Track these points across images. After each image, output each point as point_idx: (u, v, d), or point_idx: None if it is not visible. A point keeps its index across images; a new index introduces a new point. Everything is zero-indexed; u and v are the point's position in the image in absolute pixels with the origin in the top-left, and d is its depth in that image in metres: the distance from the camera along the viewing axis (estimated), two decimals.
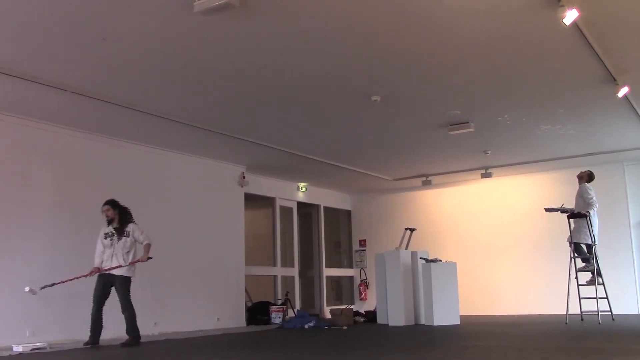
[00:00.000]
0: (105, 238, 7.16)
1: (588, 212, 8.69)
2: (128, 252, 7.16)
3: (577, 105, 8.00)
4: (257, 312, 10.87)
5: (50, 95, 6.78)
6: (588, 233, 8.69)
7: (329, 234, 14.07)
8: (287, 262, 12.58)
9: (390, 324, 9.60)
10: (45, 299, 7.28)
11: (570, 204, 9.15)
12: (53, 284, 6.93)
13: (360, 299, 13.91)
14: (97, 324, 7.04)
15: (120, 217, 7.22)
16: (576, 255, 8.87)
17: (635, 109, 8.21)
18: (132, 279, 7.22)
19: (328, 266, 13.78)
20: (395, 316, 9.57)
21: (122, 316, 7.08)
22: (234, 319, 10.27)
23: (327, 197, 13.97)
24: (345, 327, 9.41)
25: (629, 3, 5.17)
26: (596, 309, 8.41)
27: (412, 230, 10.81)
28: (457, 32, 5.60)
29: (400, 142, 9.73)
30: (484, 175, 11.86)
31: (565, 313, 8.58)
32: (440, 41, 5.79)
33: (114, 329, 7.45)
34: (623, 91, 7.18)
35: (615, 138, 9.76)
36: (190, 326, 9.29)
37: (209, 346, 6.94)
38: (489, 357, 5.09)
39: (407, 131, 9.06)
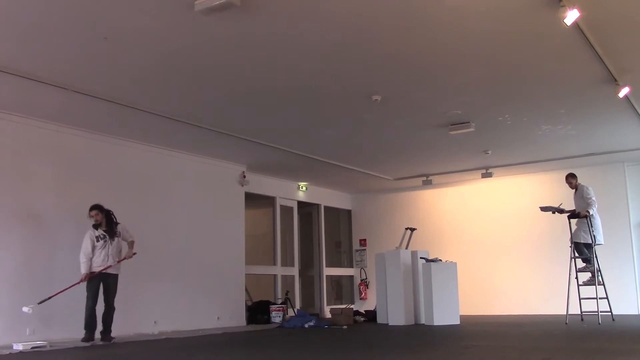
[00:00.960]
0: (98, 241, 7.38)
1: (588, 211, 8.70)
2: (120, 251, 7.54)
3: (578, 105, 8.00)
4: (257, 311, 10.87)
5: (51, 94, 6.78)
6: (588, 233, 8.69)
7: (329, 234, 14.08)
8: (288, 261, 12.58)
9: (390, 324, 9.60)
10: (45, 297, 7.31)
11: (570, 204, 9.16)
12: (49, 298, 7.01)
13: (361, 299, 13.92)
14: (95, 321, 7.28)
15: (106, 220, 7.48)
16: (577, 255, 8.86)
17: (636, 109, 8.21)
18: None
19: (328, 266, 13.79)
20: (395, 316, 9.57)
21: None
22: (234, 318, 10.28)
23: (328, 197, 13.97)
24: (345, 327, 9.41)
25: (630, 3, 5.17)
26: (596, 309, 8.41)
27: (412, 230, 10.81)
28: (458, 32, 5.60)
29: (401, 141, 9.73)
30: (485, 175, 11.86)
31: (565, 313, 8.58)
32: (442, 41, 5.79)
33: (114, 328, 7.48)
34: (624, 91, 7.18)
35: (615, 138, 9.76)
36: (190, 325, 9.29)
37: (209, 345, 6.95)
38: (489, 357, 5.09)
39: (407, 131, 9.06)
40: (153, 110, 7.55)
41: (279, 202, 12.43)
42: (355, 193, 14.54)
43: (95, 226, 7.40)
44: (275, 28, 5.38)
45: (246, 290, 10.93)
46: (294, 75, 6.61)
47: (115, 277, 7.46)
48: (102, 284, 7.38)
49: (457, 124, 8.63)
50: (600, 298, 8.49)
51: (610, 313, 8.58)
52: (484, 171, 11.83)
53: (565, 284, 8.68)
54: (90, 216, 7.39)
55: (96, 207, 7.42)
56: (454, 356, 5.25)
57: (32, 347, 6.55)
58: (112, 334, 7.39)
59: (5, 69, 6.06)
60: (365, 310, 11.63)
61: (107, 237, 7.40)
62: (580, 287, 8.67)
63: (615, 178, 11.41)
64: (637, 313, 10.76)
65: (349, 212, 14.70)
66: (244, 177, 10.98)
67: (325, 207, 13.93)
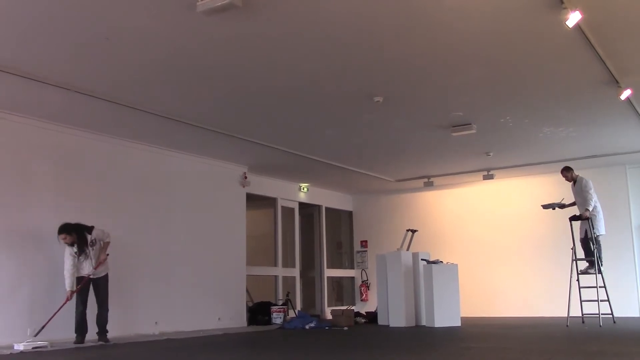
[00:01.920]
0: (79, 255, 7.28)
1: (587, 209, 8.69)
2: (99, 255, 7.48)
3: (580, 107, 7.99)
4: (258, 312, 10.87)
5: (52, 94, 6.78)
6: (591, 229, 8.69)
7: (330, 235, 14.07)
8: (289, 262, 12.57)
9: (391, 325, 9.59)
10: (46, 298, 7.31)
11: (570, 200, 9.17)
12: (42, 327, 6.92)
13: (361, 300, 13.91)
14: (85, 324, 7.27)
15: (78, 237, 7.28)
16: (578, 257, 8.82)
17: (637, 112, 8.19)
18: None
19: (329, 267, 13.78)
20: (396, 317, 9.56)
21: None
22: (235, 319, 10.27)
23: (329, 198, 13.97)
24: (346, 328, 9.40)
25: (632, 5, 5.15)
26: (597, 312, 8.39)
27: (413, 231, 10.80)
28: (459, 34, 5.59)
29: (402, 143, 9.72)
30: (486, 177, 11.84)
31: (566, 315, 8.57)
32: (443, 42, 5.78)
33: (115, 328, 7.47)
34: (626, 94, 7.17)
35: (617, 141, 9.74)
36: (191, 326, 9.28)
37: (209, 346, 6.95)
38: (489, 359, 5.08)
39: (409, 132, 9.05)
40: (153, 110, 7.54)
41: (280, 203, 12.42)
42: (356, 194, 14.53)
43: (71, 245, 7.27)
44: (276, 28, 5.37)
45: (247, 291, 10.92)
46: (295, 76, 6.60)
47: (104, 277, 7.48)
48: (92, 287, 7.41)
49: (459, 126, 8.61)
50: (601, 300, 8.48)
51: (611, 315, 8.57)
52: (485, 173, 11.81)
53: (566, 286, 8.67)
54: (60, 239, 7.22)
55: (63, 231, 7.18)
56: (454, 357, 5.25)
57: (33, 348, 6.55)
58: (109, 335, 7.37)
59: (5, 69, 6.05)
60: (366, 312, 11.63)
61: (85, 249, 7.32)
62: (581, 289, 8.64)
63: (616, 180, 11.39)
64: (638, 315, 10.73)
65: (350, 213, 14.69)
66: (245, 177, 10.97)
67: (327, 208, 13.92)
